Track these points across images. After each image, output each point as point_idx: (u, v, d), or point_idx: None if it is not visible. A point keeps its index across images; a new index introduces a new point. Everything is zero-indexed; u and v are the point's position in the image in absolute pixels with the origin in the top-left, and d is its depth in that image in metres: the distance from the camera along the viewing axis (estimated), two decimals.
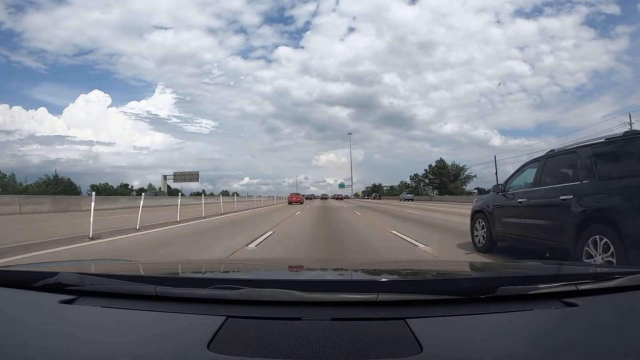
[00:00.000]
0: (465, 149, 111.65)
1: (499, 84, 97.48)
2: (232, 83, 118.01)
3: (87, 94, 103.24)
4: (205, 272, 1.50)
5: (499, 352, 0.70)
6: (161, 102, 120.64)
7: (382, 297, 0.88)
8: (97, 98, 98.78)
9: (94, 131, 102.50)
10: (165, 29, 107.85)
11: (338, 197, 68.20)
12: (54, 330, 0.82)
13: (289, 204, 31.25)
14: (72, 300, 0.93)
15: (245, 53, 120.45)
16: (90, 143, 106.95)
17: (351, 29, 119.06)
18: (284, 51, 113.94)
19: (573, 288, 0.93)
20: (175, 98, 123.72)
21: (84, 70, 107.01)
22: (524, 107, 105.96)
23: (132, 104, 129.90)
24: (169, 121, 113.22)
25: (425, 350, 0.68)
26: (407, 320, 0.79)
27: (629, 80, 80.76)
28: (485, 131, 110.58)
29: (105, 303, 0.91)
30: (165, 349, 0.72)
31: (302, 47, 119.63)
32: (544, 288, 0.93)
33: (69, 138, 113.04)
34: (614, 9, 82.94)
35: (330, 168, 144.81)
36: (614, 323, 0.83)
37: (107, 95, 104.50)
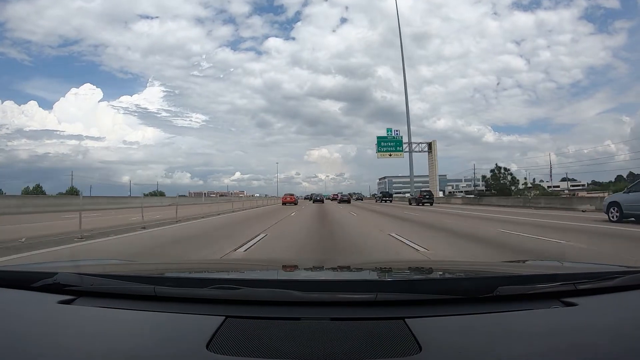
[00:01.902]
0: (458, 145, 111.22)
1: (498, 84, 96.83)
2: (221, 76, 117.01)
3: (77, 87, 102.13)
4: (204, 272, 1.50)
5: (498, 352, 0.70)
6: (151, 96, 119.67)
7: (381, 296, 0.88)
8: (88, 92, 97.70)
9: (85, 125, 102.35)
10: (151, 18, 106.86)
11: (339, 199, 40.39)
12: (53, 330, 0.82)
13: (282, 204, 31.40)
14: (70, 300, 0.93)
15: (234, 44, 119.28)
16: (79, 137, 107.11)
17: (343, 20, 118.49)
18: (274, 42, 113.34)
19: (572, 288, 0.93)
20: (163, 91, 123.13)
21: (70, 62, 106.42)
22: (519, 103, 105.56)
23: (123, 98, 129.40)
24: (158, 115, 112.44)
25: (424, 350, 0.68)
26: (406, 320, 0.79)
27: (624, 77, 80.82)
28: (478, 127, 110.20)
29: (104, 303, 0.91)
30: (164, 349, 0.72)
31: (293, 39, 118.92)
32: (543, 288, 0.93)
33: (58, 132, 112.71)
34: (613, 3, 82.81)
35: (322, 164, 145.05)
36: (614, 322, 0.83)
37: (99, 89, 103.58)
